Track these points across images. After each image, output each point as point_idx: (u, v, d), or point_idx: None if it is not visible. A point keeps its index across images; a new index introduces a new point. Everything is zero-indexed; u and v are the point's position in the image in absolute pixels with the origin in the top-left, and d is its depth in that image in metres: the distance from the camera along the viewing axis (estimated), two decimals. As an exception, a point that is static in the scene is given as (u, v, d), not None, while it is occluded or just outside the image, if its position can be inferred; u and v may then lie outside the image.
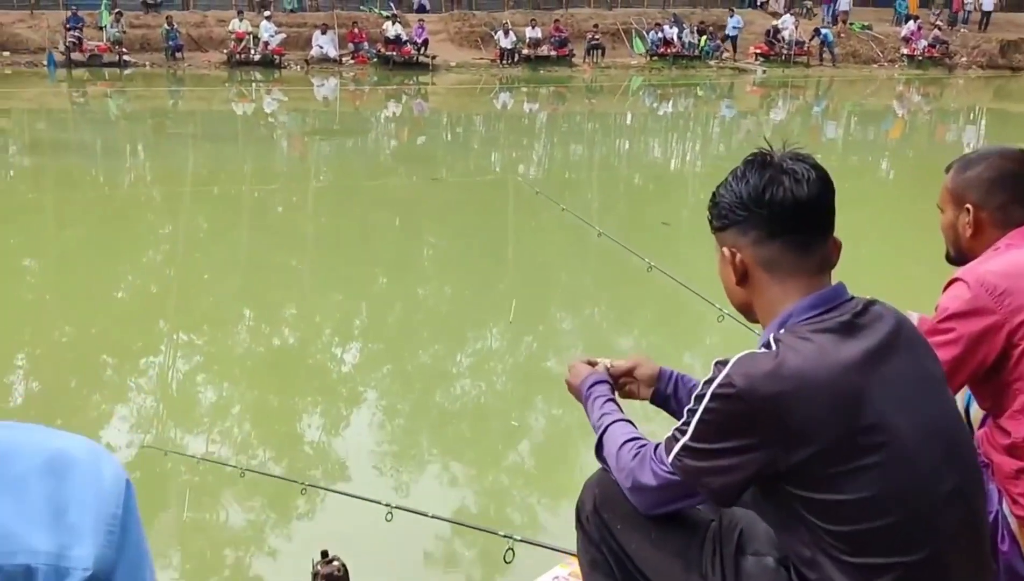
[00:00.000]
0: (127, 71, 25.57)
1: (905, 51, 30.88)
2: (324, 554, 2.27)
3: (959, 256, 2.21)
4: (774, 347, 1.57)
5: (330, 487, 3.35)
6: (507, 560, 2.63)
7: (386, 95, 25.23)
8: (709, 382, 1.58)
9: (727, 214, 1.69)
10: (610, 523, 1.83)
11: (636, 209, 12.48)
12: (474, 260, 9.15)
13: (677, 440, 1.64)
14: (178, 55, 26.27)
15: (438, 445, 4.54)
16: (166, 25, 26.17)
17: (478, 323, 6.89)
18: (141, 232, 9.77)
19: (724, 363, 1.58)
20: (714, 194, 1.73)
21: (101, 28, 25.93)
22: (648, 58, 30.78)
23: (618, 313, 7.35)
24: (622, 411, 1.94)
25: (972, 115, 24.54)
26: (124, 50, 25.61)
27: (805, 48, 31.29)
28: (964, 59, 31.19)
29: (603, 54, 30.08)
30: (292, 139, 20.22)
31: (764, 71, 31.27)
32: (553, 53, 29.58)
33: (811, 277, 1.64)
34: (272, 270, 8.17)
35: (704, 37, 31.28)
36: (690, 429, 1.61)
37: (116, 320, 6.74)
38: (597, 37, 29.97)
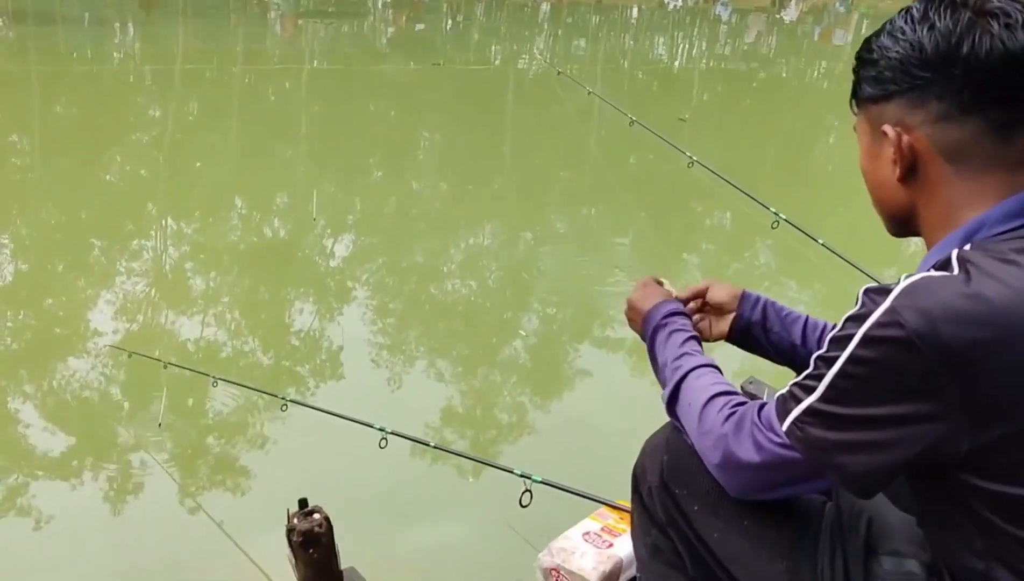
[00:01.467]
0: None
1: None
2: (302, 503, 1.80)
3: None
4: (959, 270, 1.06)
5: (315, 405, 2.88)
6: (523, 504, 2.16)
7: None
8: (858, 318, 1.08)
9: (896, 76, 1.13)
10: (683, 502, 1.36)
11: (652, 104, 11.84)
12: (495, 149, 8.63)
13: (799, 400, 1.15)
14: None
15: (438, 364, 4.03)
16: None
17: (512, 217, 6.37)
18: (127, 114, 9.18)
19: (881, 292, 1.08)
20: (869, 45, 1.18)
21: None
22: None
23: (655, 216, 6.76)
24: (715, 367, 1.45)
25: None
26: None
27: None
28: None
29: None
30: (287, 22, 19.34)
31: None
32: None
33: (1013, 174, 1.13)
34: (263, 159, 7.61)
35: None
36: (822, 385, 1.11)
37: (101, 207, 6.22)
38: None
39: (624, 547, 1.95)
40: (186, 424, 3.36)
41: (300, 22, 19.61)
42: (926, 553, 1.21)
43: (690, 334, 1.46)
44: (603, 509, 2.11)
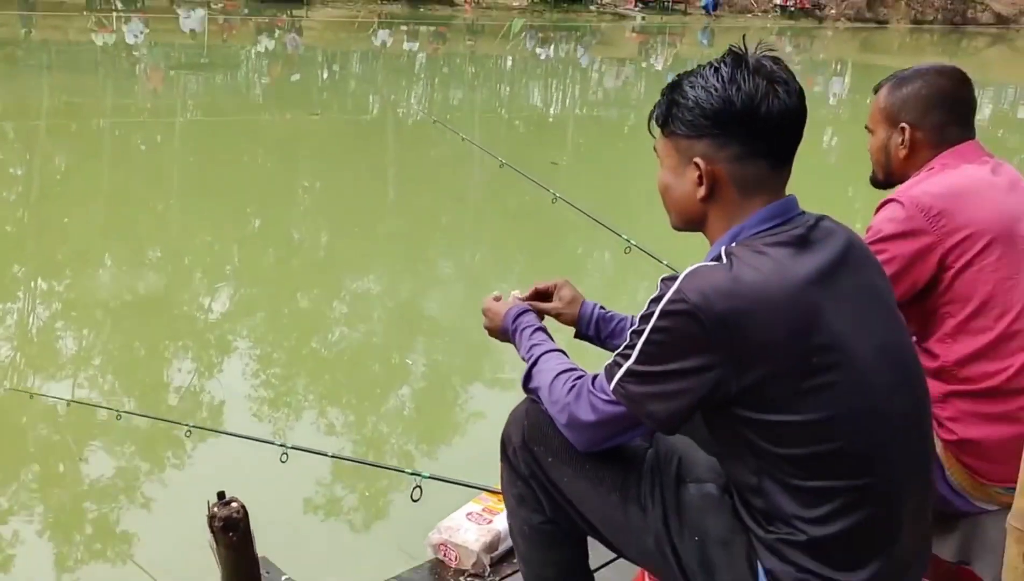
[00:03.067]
0: (-26, -4, 23.69)
1: (778, 1, 31.58)
2: (220, 495, 2.07)
3: (887, 179, 2.15)
4: (726, 260, 1.45)
5: (217, 428, 3.11)
6: (415, 498, 2.47)
7: (258, 28, 24.17)
8: (657, 299, 1.46)
9: (709, 123, 1.48)
10: (540, 457, 1.70)
11: (525, 149, 12.35)
12: (375, 194, 8.91)
13: (619, 366, 1.51)
14: (30, -21, 24.52)
15: (330, 384, 4.32)
16: (16, -54, 24.31)
17: (394, 256, 6.66)
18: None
19: (672, 279, 1.46)
20: (680, 92, 1.52)
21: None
22: (530, 1, 30.53)
23: (524, 246, 7.23)
24: (553, 341, 1.81)
25: (839, 66, 25.31)
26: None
27: (683, -5, 31.60)
28: (833, 11, 32.14)
29: (484, -6, 29.69)
30: (155, 72, 19.13)
31: (643, 18, 31.48)
32: (433, -9, 29.00)
33: (773, 194, 1.53)
34: (138, 210, 7.68)
35: (585, -19, 31.21)
36: (635, 352, 1.48)
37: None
38: (477, -24, 29.51)
39: (502, 522, 2.28)
40: (96, 459, 3.52)
41: (172, 73, 19.48)
42: (722, 478, 1.59)
43: (536, 327, 1.82)
44: (483, 494, 2.43)
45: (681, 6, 31.99)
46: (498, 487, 2.41)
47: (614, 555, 1.80)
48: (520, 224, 7.72)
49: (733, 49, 1.52)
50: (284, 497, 3.07)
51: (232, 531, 2.00)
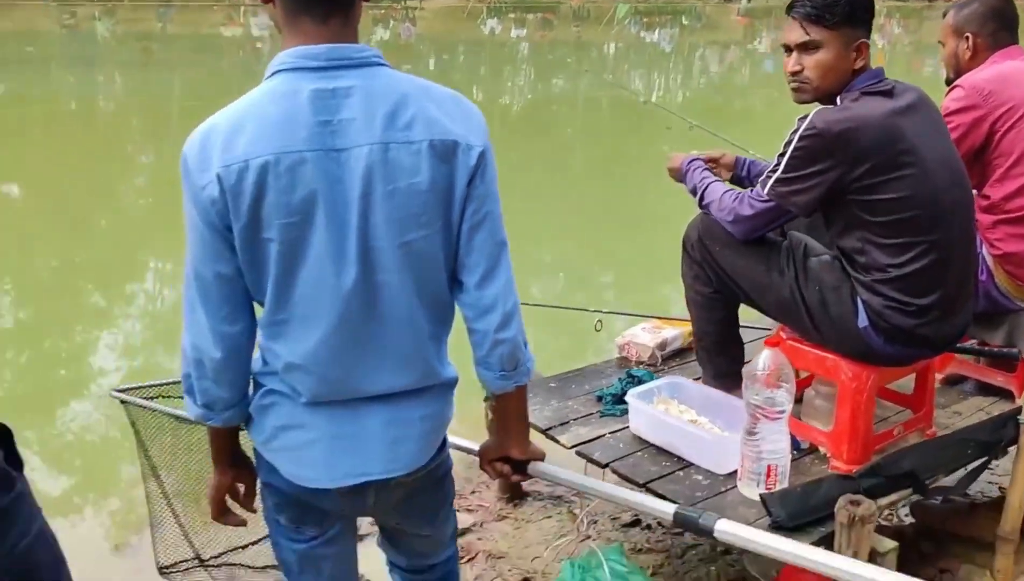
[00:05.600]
0: (116, -8, 25.58)
1: (886, -18, 31.34)
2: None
3: (957, 77, 2.93)
4: (840, 103, 2.31)
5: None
6: (596, 329, 3.39)
7: (373, 19, 25.44)
8: (795, 131, 2.31)
9: (856, 11, 2.27)
10: (710, 247, 2.56)
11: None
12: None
13: (770, 177, 2.37)
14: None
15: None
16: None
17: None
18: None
19: (805, 117, 2.31)
20: None
21: (89, -52, 25.84)
22: (635, -14, 31.02)
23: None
24: (721, 180, 2.67)
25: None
26: (113, -29, 25.59)
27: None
28: (942, -9, 31.70)
29: (590, -19, 30.34)
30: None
31: (749, 0, 31.69)
32: (541, -21, 29.79)
33: (869, 66, 2.36)
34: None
35: (689, -34, 31.54)
36: (781, 165, 2.33)
37: None
38: (583, -36, 30.17)
39: (668, 333, 3.15)
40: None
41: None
42: (832, 253, 2.43)
43: (705, 168, 2.68)
44: (653, 320, 3.31)
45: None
46: (660, 315, 3.31)
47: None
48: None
49: None
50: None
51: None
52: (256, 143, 1.44)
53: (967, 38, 2.87)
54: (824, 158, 2.26)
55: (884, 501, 2.37)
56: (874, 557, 2.16)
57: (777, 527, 2.16)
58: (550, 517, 3.11)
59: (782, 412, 2.24)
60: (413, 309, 1.57)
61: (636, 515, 3.10)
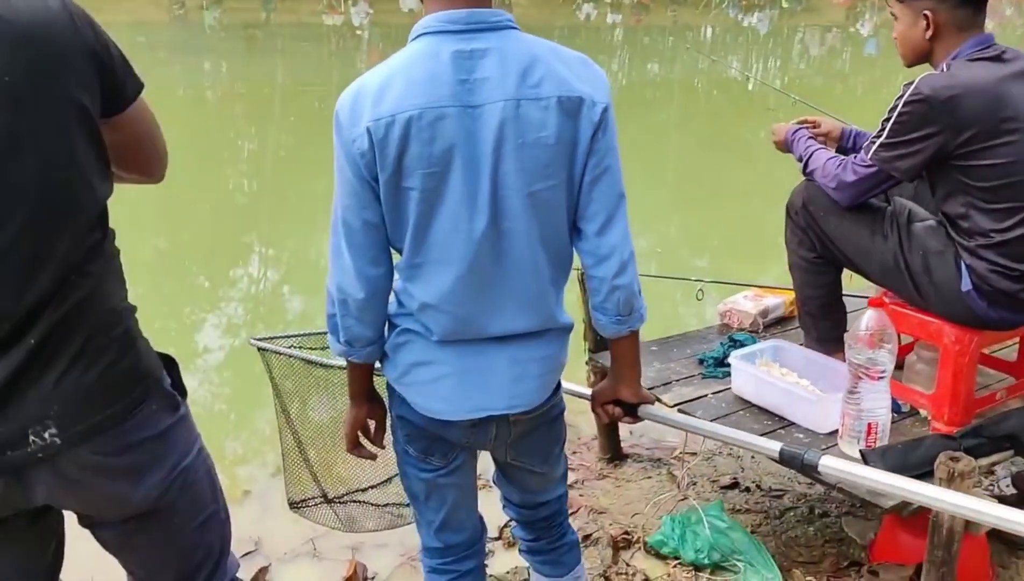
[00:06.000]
0: (223, -18, 26.40)
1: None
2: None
3: None
4: (946, 69, 2.34)
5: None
6: (698, 298, 3.47)
7: (471, 6, 25.68)
8: (900, 97, 2.35)
9: None
10: (814, 213, 2.62)
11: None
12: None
13: (875, 143, 2.42)
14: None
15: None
16: (259, -63, 26.90)
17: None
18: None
19: (911, 83, 2.35)
20: None
21: (197, -60, 26.76)
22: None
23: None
24: (825, 147, 2.72)
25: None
26: (220, -38, 26.49)
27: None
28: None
29: (686, -35, 29.98)
30: (373, 50, 20.70)
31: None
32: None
33: (978, 28, 2.39)
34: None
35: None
36: (886, 131, 2.38)
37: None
38: (681, -52, 29.82)
39: (770, 301, 3.22)
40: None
41: (390, 51, 21.11)
42: (936, 219, 2.47)
43: (810, 136, 2.74)
44: (754, 288, 3.38)
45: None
46: (761, 284, 3.38)
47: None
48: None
49: None
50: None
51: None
52: (402, 99, 1.59)
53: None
54: (929, 124, 2.31)
55: (985, 462, 2.42)
56: (974, 514, 2.21)
57: (877, 482, 2.23)
58: (650, 478, 3.22)
59: (883, 372, 2.31)
60: (536, 256, 1.69)
61: (735, 477, 3.19)
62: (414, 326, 1.75)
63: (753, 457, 3.26)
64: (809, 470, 1.78)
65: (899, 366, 2.74)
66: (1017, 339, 2.69)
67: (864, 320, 2.30)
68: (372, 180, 1.62)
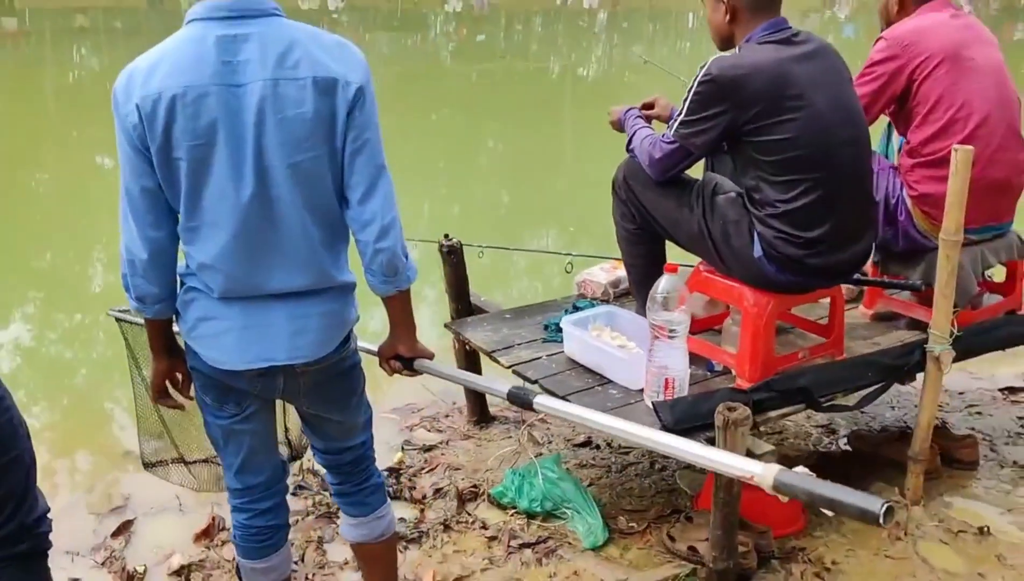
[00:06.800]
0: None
1: (972, -55, 30.25)
2: (446, 236, 3.31)
3: (888, 27, 3.11)
4: (737, 51, 2.54)
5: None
6: (567, 271, 3.67)
7: (447, -9, 25.83)
8: (695, 77, 2.55)
9: None
10: (634, 187, 2.81)
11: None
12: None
13: (675, 120, 2.61)
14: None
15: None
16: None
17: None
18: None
19: (704, 64, 2.54)
20: None
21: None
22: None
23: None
24: (649, 126, 2.91)
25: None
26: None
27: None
28: (1033, -47, 30.47)
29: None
30: (352, 35, 20.87)
31: (826, -33, 30.96)
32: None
33: (771, 13, 2.58)
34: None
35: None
36: (684, 109, 2.58)
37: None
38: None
39: (622, 273, 3.42)
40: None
41: (367, 36, 21.26)
42: (737, 191, 2.67)
43: (638, 115, 2.93)
44: (612, 261, 3.58)
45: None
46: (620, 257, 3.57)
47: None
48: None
49: None
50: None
51: (453, 255, 3.25)
52: (168, 78, 1.78)
53: None
54: (718, 102, 2.50)
55: (775, 413, 2.64)
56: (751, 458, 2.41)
57: (665, 431, 2.44)
58: (510, 438, 3.43)
59: (676, 332, 2.51)
60: (304, 220, 1.89)
61: (589, 436, 3.40)
62: (197, 284, 1.94)
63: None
64: (527, 406, 1.98)
65: (719, 328, 2.96)
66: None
67: (660, 284, 2.50)
68: (145, 150, 1.81)
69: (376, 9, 25.50)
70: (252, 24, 1.81)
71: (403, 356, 2.14)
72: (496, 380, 2.24)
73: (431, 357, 2.17)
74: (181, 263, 1.98)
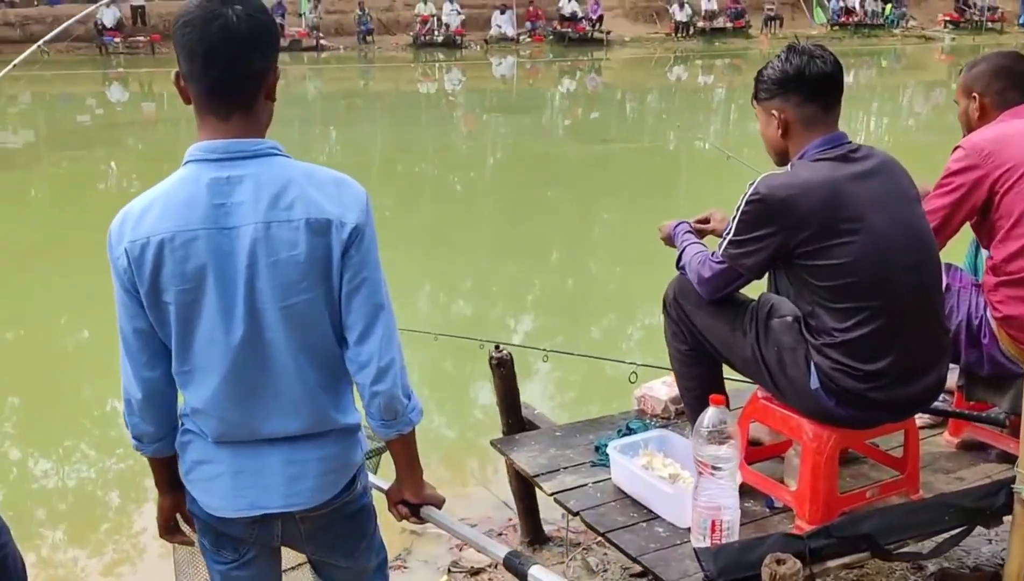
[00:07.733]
0: (323, 54, 27.68)
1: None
2: (496, 347, 3.20)
3: (969, 134, 2.86)
4: (789, 169, 2.37)
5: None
6: (631, 381, 3.50)
7: (560, 71, 26.13)
8: (744, 196, 2.38)
9: (773, 86, 2.41)
10: (684, 306, 2.64)
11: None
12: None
13: (724, 239, 2.44)
14: (368, 39, 28.27)
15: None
16: (358, 10, 28.23)
17: None
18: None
19: (753, 182, 2.38)
20: (760, 73, 2.47)
21: (301, 15, 28.25)
22: (829, 28, 30.30)
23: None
24: (700, 242, 2.75)
25: None
26: (321, 35, 27.84)
27: (998, 14, 29.94)
28: None
29: (781, 25, 29.92)
30: (468, 116, 21.21)
31: (953, 39, 30.20)
32: (729, 25, 29.70)
33: (827, 128, 2.41)
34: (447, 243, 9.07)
35: (889, 5, 30.49)
36: (732, 229, 2.41)
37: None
38: (774, 7, 29.78)
39: (685, 387, 3.22)
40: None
41: (484, 116, 21.61)
42: (793, 314, 2.47)
43: (688, 230, 2.77)
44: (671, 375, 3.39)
45: (997, 25, 30.30)
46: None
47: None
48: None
49: (790, 43, 2.43)
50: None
51: (503, 367, 3.13)
52: (158, 222, 1.74)
53: (975, 97, 2.83)
54: (766, 223, 2.33)
55: (835, 563, 2.38)
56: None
57: (709, 581, 2.23)
58: (562, 562, 3.24)
59: (723, 468, 2.31)
60: (299, 363, 1.81)
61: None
62: (193, 427, 1.88)
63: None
64: (524, 579, 1.81)
65: (782, 458, 2.73)
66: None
67: (706, 417, 2.32)
68: (135, 292, 1.78)
69: (493, 91, 26.04)
70: (247, 165, 1.77)
71: (410, 502, 2.02)
72: (493, 542, 2.10)
73: (441, 503, 2.04)
74: (181, 403, 1.93)
